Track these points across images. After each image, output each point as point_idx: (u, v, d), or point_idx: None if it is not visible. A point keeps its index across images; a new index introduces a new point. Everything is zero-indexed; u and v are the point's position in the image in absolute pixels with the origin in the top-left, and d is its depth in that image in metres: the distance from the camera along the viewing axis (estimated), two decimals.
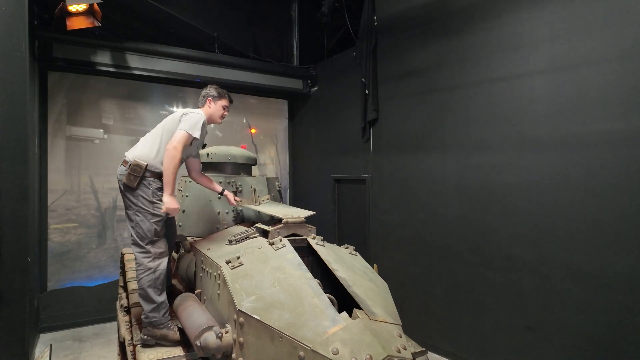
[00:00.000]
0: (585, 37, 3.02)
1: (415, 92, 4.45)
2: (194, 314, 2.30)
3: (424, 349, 2.08)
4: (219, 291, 2.22)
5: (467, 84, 3.87)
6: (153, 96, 5.74)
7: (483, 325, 3.70)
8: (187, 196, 3.35)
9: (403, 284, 4.51)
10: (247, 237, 2.58)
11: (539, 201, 3.29)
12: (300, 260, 2.19)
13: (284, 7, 6.87)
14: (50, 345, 3.52)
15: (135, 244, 2.57)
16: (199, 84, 5.88)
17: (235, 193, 3.28)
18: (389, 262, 4.75)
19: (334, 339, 1.64)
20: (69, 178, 5.14)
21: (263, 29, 6.58)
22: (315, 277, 2.08)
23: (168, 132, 2.65)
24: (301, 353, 1.64)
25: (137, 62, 5.17)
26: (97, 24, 4.04)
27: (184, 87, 5.90)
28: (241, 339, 1.90)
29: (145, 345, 2.46)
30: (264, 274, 2.07)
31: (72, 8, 3.88)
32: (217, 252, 2.51)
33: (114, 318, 4.66)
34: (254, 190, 3.31)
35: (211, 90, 2.91)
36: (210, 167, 3.56)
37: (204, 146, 3.01)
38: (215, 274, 2.29)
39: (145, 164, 2.55)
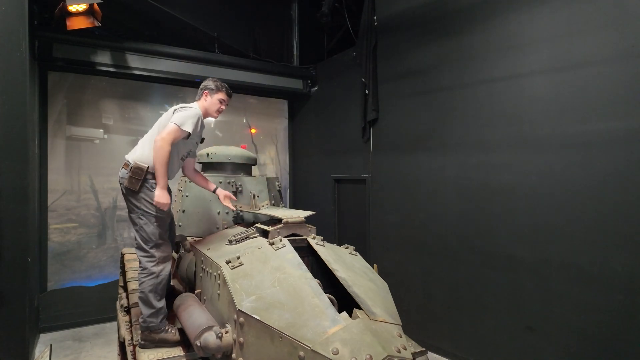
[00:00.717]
0: (585, 37, 3.02)
1: (415, 92, 4.44)
2: (194, 314, 2.30)
3: (424, 349, 2.08)
4: (219, 291, 2.22)
5: (467, 84, 3.87)
6: (153, 96, 5.74)
7: (483, 325, 3.70)
8: (187, 196, 3.35)
9: (403, 284, 4.51)
10: (247, 237, 2.58)
11: (539, 201, 3.29)
12: (300, 260, 2.19)
13: (284, 7, 6.87)
14: (50, 345, 3.52)
15: (139, 247, 2.52)
16: (198, 84, 5.87)
17: (235, 193, 3.27)
18: (389, 262, 4.75)
19: (334, 339, 1.64)
20: (69, 178, 5.14)
21: (263, 29, 6.58)
22: (315, 277, 2.08)
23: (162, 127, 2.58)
24: (301, 353, 1.64)
25: (137, 62, 5.17)
26: (97, 24, 4.04)
27: (184, 87, 5.90)
28: (241, 339, 1.90)
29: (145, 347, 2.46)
30: (264, 274, 2.07)
31: (72, 8, 3.88)
32: (217, 252, 2.51)
33: (114, 318, 4.65)
34: (254, 196, 3.30)
35: (209, 82, 2.82)
36: (210, 167, 3.56)
37: (202, 141, 2.95)
38: (215, 274, 2.29)
39: (147, 166, 2.50)
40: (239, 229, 2.88)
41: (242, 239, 2.56)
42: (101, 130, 5.36)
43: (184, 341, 2.47)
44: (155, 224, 2.50)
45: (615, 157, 2.86)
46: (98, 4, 3.98)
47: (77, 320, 4.95)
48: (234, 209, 3.04)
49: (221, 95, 2.80)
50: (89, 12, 3.98)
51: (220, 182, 3.27)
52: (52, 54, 4.69)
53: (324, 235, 2.64)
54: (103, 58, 4.96)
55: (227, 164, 3.52)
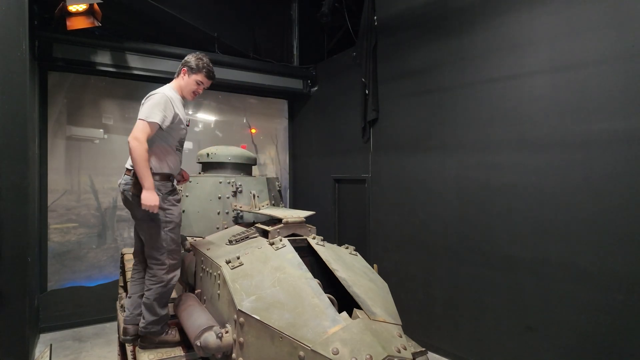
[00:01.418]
0: (585, 37, 3.02)
1: (415, 92, 4.44)
2: (194, 314, 2.31)
3: (424, 349, 2.08)
4: (219, 291, 2.22)
5: (467, 84, 3.87)
6: None
7: (483, 325, 3.70)
8: (187, 196, 3.35)
9: (403, 284, 4.51)
10: (247, 237, 2.58)
11: (539, 201, 3.29)
12: (300, 260, 2.19)
13: (284, 7, 6.87)
14: (50, 345, 3.52)
15: (150, 256, 2.43)
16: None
17: (235, 193, 3.27)
18: (389, 262, 4.74)
19: (334, 339, 1.64)
20: (69, 178, 5.14)
21: (263, 29, 6.58)
22: (315, 277, 2.08)
23: None
24: (301, 353, 1.64)
25: (137, 62, 5.17)
26: (97, 24, 4.04)
27: None
28: (241, 339, 1.90)
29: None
30: (264, 274, 2.07)
31: (72, 8, 3.88)
32: (217, 252, 2.51)
33: (114, 318, 4.66)
34: (254, 196, 3.30)
35: (190, 58, 2.51)
36: (210, 167, 3.55)
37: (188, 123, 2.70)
38: (215, 274, 2.29)
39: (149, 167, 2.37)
40: (239, 229, 2.88)
41: (242, 239, 2.56)
42: (101, 130, 5.36)
43: (184, 341, 2.47)
44: (165, 229, 2.39)
45: (615, 157, 2.86)
46: (98, 4, 3.98)
47: (77, 320, 4.95)
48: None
49: (199, 77, 2.51)
50: (89, 12, 3.97)
51: (220, 182, 3.26)
52: (52, 54, 4.69)
53: (324, 235, 2.64)
54: (103, 58, 4.96)
55: (227, 164, 3.52)
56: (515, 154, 3.46)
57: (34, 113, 4.32)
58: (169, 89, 2.49)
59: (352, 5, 5.89)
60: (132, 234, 2.57)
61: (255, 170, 3.88)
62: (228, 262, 2.20)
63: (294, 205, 6.94)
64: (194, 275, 2.79)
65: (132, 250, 4.09)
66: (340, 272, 2.16)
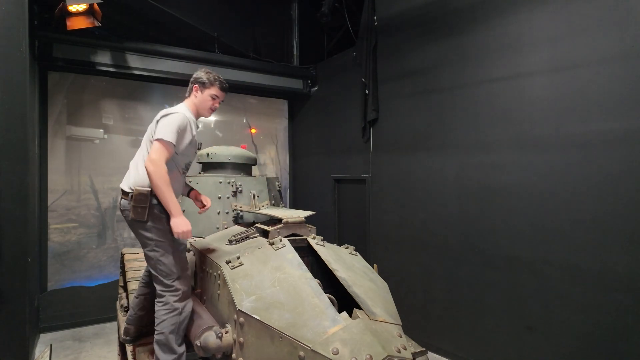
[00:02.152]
0: (585, 37, 3.02)
1: (415, 92, 4.44)
2: (193, 314, 2.31)
3: (424, 349, 2.07)
4: (219, 291, 2.22)
5: (467, 83, 3.87)
6: (153, 96, 5.74)
7: (483, 325, 3.70)
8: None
9: (403, 284, 4.51)
10: (247, 237, 2.58)
11: (539, 201, 3.29)
12: (300, 260, 2.19)
13: (284, 7, 6.87)
14: (50, 345, 3.52)
15: (159, 282, 2.22)
16: None
17: (235, 193, 3.27)
18: (389, 262, 4.74)
19: (334, 339, 1.64)
20: (69, 178, 5.14)
21: (263, 29, 6.58)
22: (315, 277, 2.08)
23: (150, 144, 2.25)
24: (301, 353, 1.64)
25: (137, 62, 5.17)
26: (97, 24, 4.04)
27: (184, 87, 5.85)
28: (241, 339, 1.90)
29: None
30: (264, 274, 2.07)
31: (72, 8, 3.88)
32: (217, 252, 2.51)
33: (114, 318, 4.66)
34: (254, 196, 3.30)
35: (200, 74, 2.39)
36: (210, 167, 3.55)
37: (199, 147, 2.64)
38: (215, 274, 2.29)
39: (149, 189, 2.18)
40: (239, 229, 2.88)
41: (242, 239, 2.56)
42: (101, 130, 5.36)
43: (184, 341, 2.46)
44: (173, 253, 2.21)
45: (615, 157, 2.86)
46: (98, 4, 3.98)
47: (77, 320, 4.95)
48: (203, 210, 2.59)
49: (213, 90, 2.38)
50: (89, 12, 3.97)
51: (220, 182, 3.26)
52: (52, 54, 4.69)
53: (324, 235, 2.64)
54: (103, 58, 4.95)
55: (227, 164, 3.52)
56: (515, 154, 3.46)
57: (34, 113, 4.32)
58: (185, 109, 2.33)
59: (352, 5, 5.89)
60: (134, 235, 2.52)
61: (255, 170, 3.88)
62: (228, 262, 2.19)
63: (294, 205, 6.94)
64: (194, 275, 2.79)
65: (132, 250, 4.10)
66: (340, 272, 2.16)
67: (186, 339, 2.33)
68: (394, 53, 4.73)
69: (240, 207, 3.16)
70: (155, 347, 2.17)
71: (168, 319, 2.15)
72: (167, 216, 2.21)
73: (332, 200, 5.85)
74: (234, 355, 1.95)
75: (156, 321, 2.19)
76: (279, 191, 3.72)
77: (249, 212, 3.08)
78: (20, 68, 3.07)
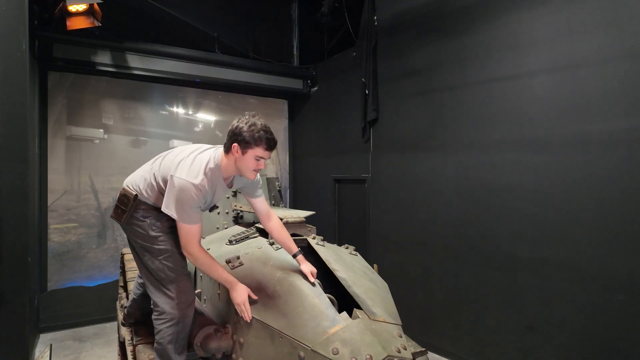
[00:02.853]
0: (585, 37, 3.02)
1: (415, 92, 4.44)
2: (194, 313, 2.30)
3: (424, 349, 2.08)
4: (219, 291, 2.22)
5: (467, 83, 3.87)
6: (153, 96, 5.74)
7: (483, 325, 3.70)
8: None
9: (403, 284, 4.51)
10: (247, 237, 2.58)
11: (539, 201, 3.29)
12: None
13: (284, 7, 6.87)
14: (50, 345, 3.52)
15: (151, 291, 2.08)
16: (198, 84, 5.88)
17: (235, 193, 3.27)
18: (389, 262, 4.74)
19: (334, 339, 1.64)
20: (69, 178, 5.14)
21: (263, 29, 6.58)
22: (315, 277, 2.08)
23: (159, 172, 2.05)
24: (301, 353, 1.64)
25: (137, 62, 5.17)
26: (97, 24, 4.04)
27: (184, 87, 5.90)
28: (241, 339, 1.90)
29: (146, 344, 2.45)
30: (264, 274, 2.07)
31: (72, 8, 3.88)
32: (217, 252, 2.51)
33: (114, 318, 4.65)
34: None
35: (242, 129, 1.93)
36: None
37: (212, 208, 2.31)
38: None
39: (135, 193, 2.04)
40: (239, 229, 2.88)
41: (242, 239, 2.56)
42: (101, 130, 5.36)
43: None
44: (159, 258, 2.03)
45: (615, 157, 2.86)
46: (98, 4, 3.98)
47: (77, 320, 4.95)
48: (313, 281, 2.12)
49: (259, 151, 1.93)
50: (89, 12, 3.98)
51: None
52: (52, 54, 4.68)
53: (324, 235, 2.64)
54: (103, 58, 4.95)
55: None
56: (515, 154, 3.46)
57: (34, 113, 4.32)
58: (205, 167, 1.97)
59: (352, 5, 5.88)
60: None
61: None
62: (228, 262, 2.20)
63: (294, 205, 6.93)
64: (194, 276, 2.79)
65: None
66: (340, 272, 2.16)
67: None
68: (394, 53, 4.72)
69: (240, 207, 3.16)
70: (154, 354, 2.10)
71: (164, 329, 2.00)
72: (151, 223, 2.06)
73: (332, 200, 5.85)
74: (233, 355, 1.96)
75: (154, 329, 2.08)
76: (279, 191, 3.72)
77: (249, 212, 3.08)
78: (20, 68, 3.06)
